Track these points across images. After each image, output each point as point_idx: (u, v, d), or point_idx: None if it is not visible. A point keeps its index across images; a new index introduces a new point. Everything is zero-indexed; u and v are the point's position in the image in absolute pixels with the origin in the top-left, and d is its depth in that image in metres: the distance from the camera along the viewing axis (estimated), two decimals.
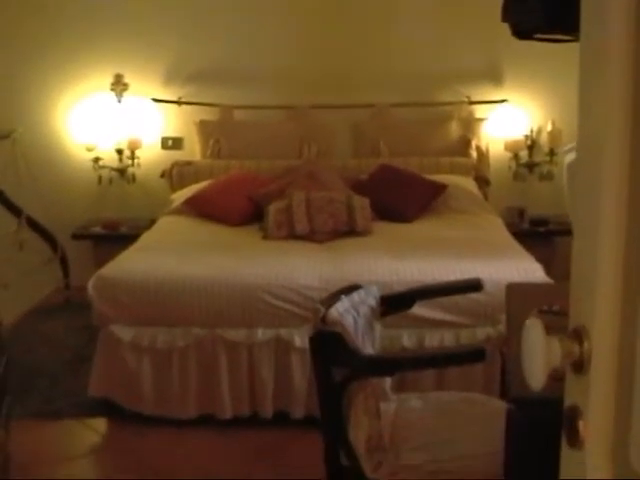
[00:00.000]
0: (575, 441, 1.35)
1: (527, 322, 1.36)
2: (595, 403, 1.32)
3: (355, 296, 2.98)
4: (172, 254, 4.90)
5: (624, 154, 1.27)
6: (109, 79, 6.85)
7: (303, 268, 4.62)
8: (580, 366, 1.34)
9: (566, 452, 1.43)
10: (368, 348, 2.91)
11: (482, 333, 4.41)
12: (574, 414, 1.35)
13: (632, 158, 1.26)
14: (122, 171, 6.90)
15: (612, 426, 1.31)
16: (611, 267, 1.29)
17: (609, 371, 1.31)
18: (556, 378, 1.48)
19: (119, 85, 6.86)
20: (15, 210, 6.54)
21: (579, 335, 1.34)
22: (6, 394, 4.00)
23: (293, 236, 5.29)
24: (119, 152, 6.87)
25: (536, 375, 1.33)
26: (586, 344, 1.33)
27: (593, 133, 1.34)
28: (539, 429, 1.96)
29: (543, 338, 1.32)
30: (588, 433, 1.33)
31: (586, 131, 1.38)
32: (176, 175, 6.63)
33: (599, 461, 1.33)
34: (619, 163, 1.27)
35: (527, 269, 4.52)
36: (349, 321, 2.76)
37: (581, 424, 1.34)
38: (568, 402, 1.40)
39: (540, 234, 6.57)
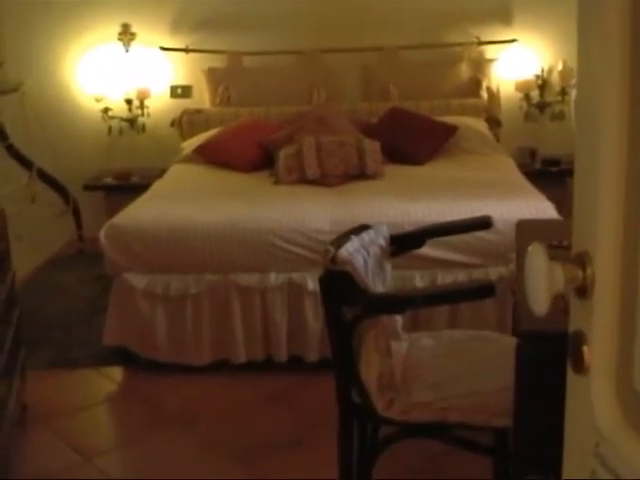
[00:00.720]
0: (580, 367, 1.35)
1: (530, 248, 1.35)
2: (599, 328, 1.32)
3: (365, 236, 2.97)
4: (183, 201, 4.91)
5: (624, 83, 1.25)
6: (116, 29, 6.82)
7: (314, 212, 4.62)
8: (584, 291, 1.33)
9: (571, 378, 1.43)
10: (379, 287, 2.91)
11: (494, 273, 4.41)
12: (579, 340, 1.35)
13: (631, 85, 1.25)
14: (132, 121, 6.89)
15: (616, 351, 1.31)
16: (613, 192, 1.28)
17: (613, 295, 1.30)
18: (564, 310, 1.48)
19: (126, 35, 6.83)
20: (26, 163, 6.54)
21: (582, 260, 1.33)
22: (21, 345, 4.03)
23: (304, 181, 5.29)
24: (128, 102, 6.85)
25: (539, 300, 1.32)
26: (589, 269, 1.32)
27: (592, 61, 1.33)
28: (547, 362, 1.96)
29: (546, 263, 1.31)
30: (593, 358, 1.33)
31: (585, 56, 1.37)
32: (186, 123, 6.60)
33: (604, 386, 1.33)
34: (618, 92, 1.26)
35: (539, 208, 4.50)
36: (359, 261, 2.75)
37: (586, 349, 1.34)
38: (573, 328, 1.40)
39: (552, 174, 6.54)
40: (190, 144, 6.22)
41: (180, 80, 7.01)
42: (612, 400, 1.32)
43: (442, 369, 2.90)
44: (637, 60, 1.23)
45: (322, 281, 2.71)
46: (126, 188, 6.48)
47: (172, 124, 6.71)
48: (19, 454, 3.77)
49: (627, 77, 1.25)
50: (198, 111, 6.66)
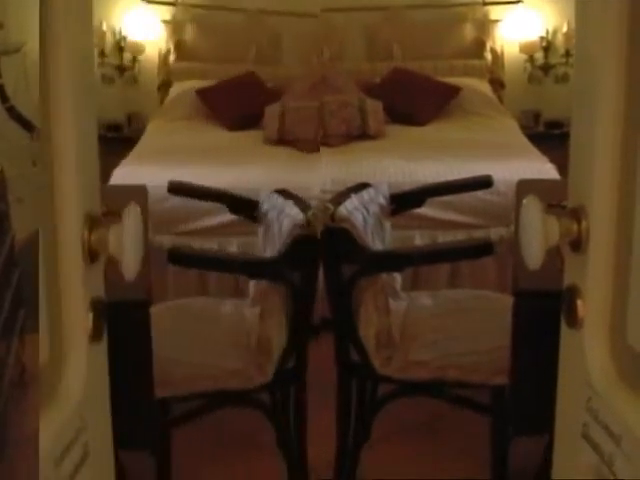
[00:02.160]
0: (574, 321, 1.35)
1: (525, 201, 1.34)
2: (593, 281, 1.32)
3: (365, 195, 2.96)
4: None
5: (621, 37, 1.25)
6: None
7: (316, 171, 4.61)
8: (578, 245, 1.33)
9: (565, 333, 1.43)
10: (378, 246, 2.91)
11: (495, 234, 4.39)
12: (573, 293, 1.35)
13: (629, 39, 1.24)
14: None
15: (610, 305, 1.31)
16: (609, 146, 1.28)
17: (607, 249, 1.30)
18: (560, 270, 1.48)
19: None
20: (27, 125, 6.50)
21: (577, 214, 1.33)
22: (20, 307, 4.03)
23: None
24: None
25: (534, 253, 1.32)
26: (584, 223, 1.32)
27: (591, 17, 1.32)
28: (544, 320, 1.95)
29: (541, 215, 1.31)
30: (586, 312, 1.33)
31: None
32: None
33: (597, 340, 1.33)
34: (615, 45, 1.25)
35: (541, 169, 4.50)
36: (358, 218, 2.75)
37: (579, 303, 1.34)
38: (567, 282, 1.40)
39: (555, 137, 6.49)
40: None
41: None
42: (605, 354, 1.32)
43: (440, 328, 2.89)
44: (636, 15, 1.22)
45: (321, 238, 2.70)
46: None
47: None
48: (17, 415, 3.77)
49: (624, 32, 1.24)
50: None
